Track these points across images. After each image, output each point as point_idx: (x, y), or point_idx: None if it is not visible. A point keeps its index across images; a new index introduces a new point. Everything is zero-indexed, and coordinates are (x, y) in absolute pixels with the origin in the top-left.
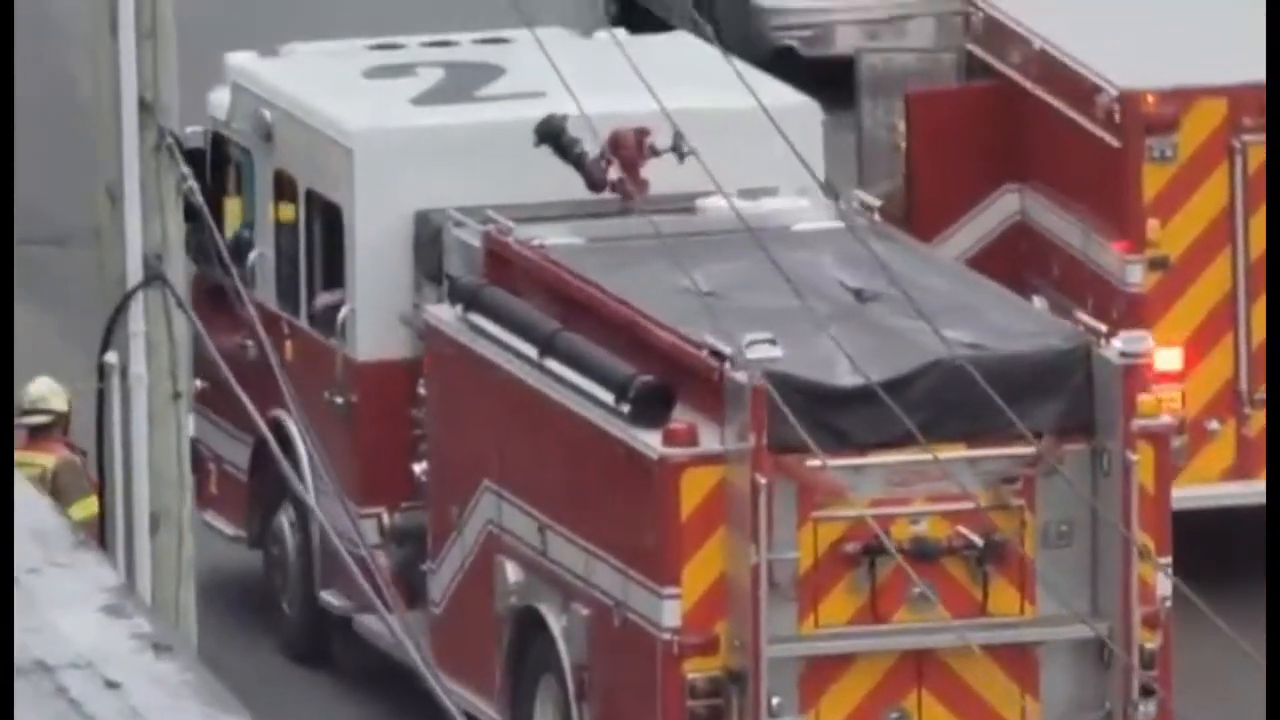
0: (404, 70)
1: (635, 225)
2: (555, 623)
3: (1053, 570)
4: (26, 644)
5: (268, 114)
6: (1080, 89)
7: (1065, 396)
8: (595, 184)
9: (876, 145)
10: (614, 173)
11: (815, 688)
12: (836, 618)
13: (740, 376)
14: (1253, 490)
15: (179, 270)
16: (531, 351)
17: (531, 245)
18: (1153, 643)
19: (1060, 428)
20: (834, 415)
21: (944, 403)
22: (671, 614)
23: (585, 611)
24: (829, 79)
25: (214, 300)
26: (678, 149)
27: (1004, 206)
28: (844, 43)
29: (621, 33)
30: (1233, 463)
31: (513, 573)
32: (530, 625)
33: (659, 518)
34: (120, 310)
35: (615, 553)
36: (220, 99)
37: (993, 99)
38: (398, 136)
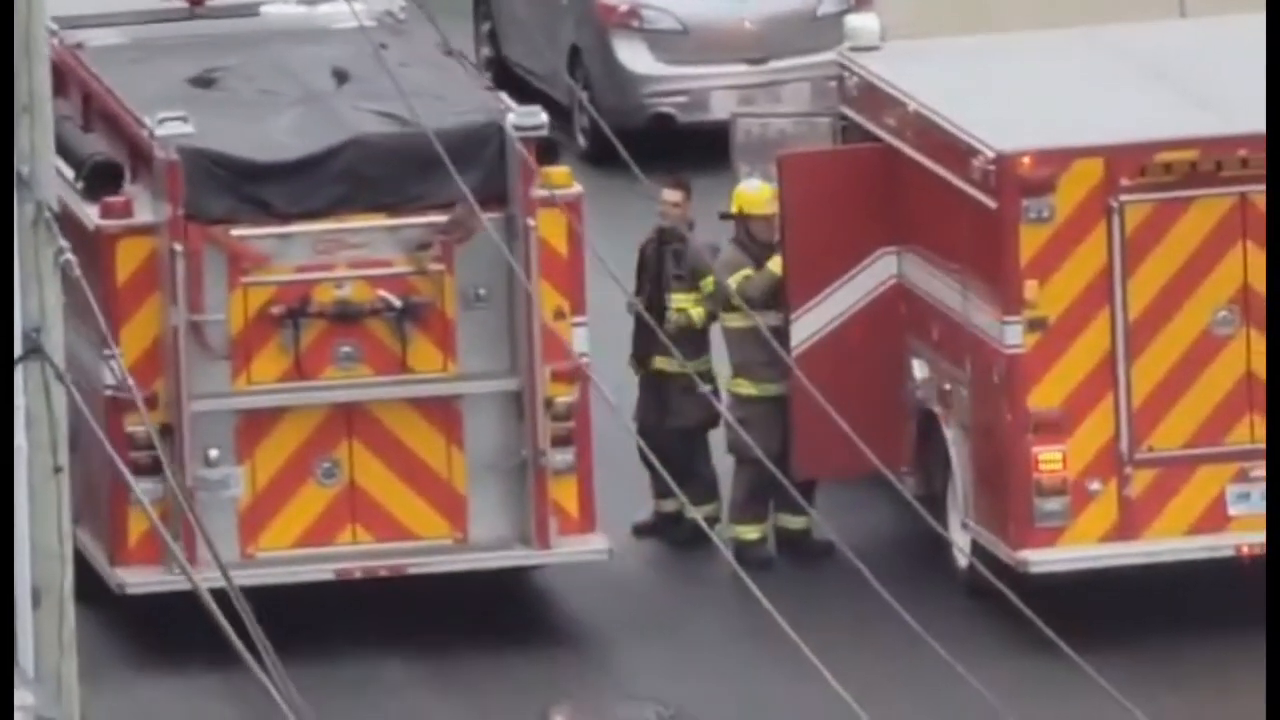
0: None
1: (189, 28)
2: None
3: (472, 330)
4: None
5: None
6: (956, 151)
7: (479, 169)
8: None
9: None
10: None
11: (250, 440)
12: (267, 375)
13: (160, 152)
14: (1135, 551)
15: (58, 343)
16: None
17: (70, 46)
18: (567, 396)
19: (475, 198)
20: (257, 188)
21: (363, 176)
22: (110, 373)
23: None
24: (706, 144)
25: None
26: None
27: (882, 269)
28: (719, 108)
29: None
30: (1115, 523)
31: None
32: None
33: (98, 284)
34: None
35: (77, 319)
36: None
37: (869, 161)
38: None
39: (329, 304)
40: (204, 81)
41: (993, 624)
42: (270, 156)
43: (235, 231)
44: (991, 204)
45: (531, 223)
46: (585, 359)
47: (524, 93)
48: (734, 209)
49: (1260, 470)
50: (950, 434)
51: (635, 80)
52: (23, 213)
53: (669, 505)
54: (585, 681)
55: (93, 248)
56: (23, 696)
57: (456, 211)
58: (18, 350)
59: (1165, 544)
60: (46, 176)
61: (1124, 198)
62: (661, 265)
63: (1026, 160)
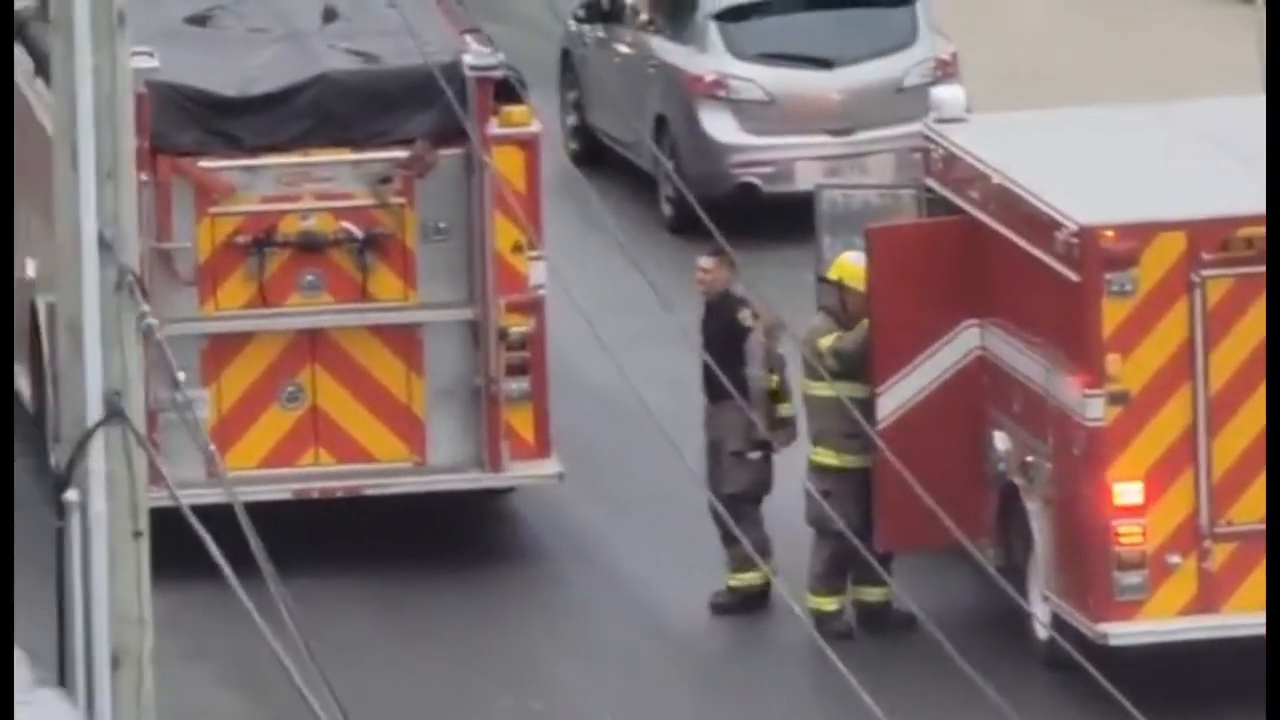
0: None
1: None
2: None
3: (432, 261)
4: None
5: None
6: (1040, 224)
7: (437, 108)
8: None
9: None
10: None
11: (216, 364)
12: (233, 302)
13: None
14: (1214, 624)
15: (138, 407)
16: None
17: None
18: (523, 327)
19: (434, 134)
20: (225, 121)
21: (328, 111)
22: None
23: None
24: (790, 215)
25: None
26: None
27: (965, 341)
28: (804, 179)
29: None
30: (1194, 596)
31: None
32: None
33: None
34: (81, 448)
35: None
36: None
37: (953, 234)
38: None
39: (294, 234)
40: (199, 19)
41: (1072, 697)
42: (238, 91)
43: (203, 163)
44: (1074, 277)
45: (486, 159)
46: (541, 291)
47: (611, 161)
48: (833, 275)
49: None
50: (1031, 506)
51: (720, 150)
52: (105, 277)
53: (738, 580)
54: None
55: None
56: None
57: (417, 147)
58: (97, 414)
59: (1244, 618)
60: (129, 241)
61: (1205, 272)
62: (716, 337)
63: (1110, 234)
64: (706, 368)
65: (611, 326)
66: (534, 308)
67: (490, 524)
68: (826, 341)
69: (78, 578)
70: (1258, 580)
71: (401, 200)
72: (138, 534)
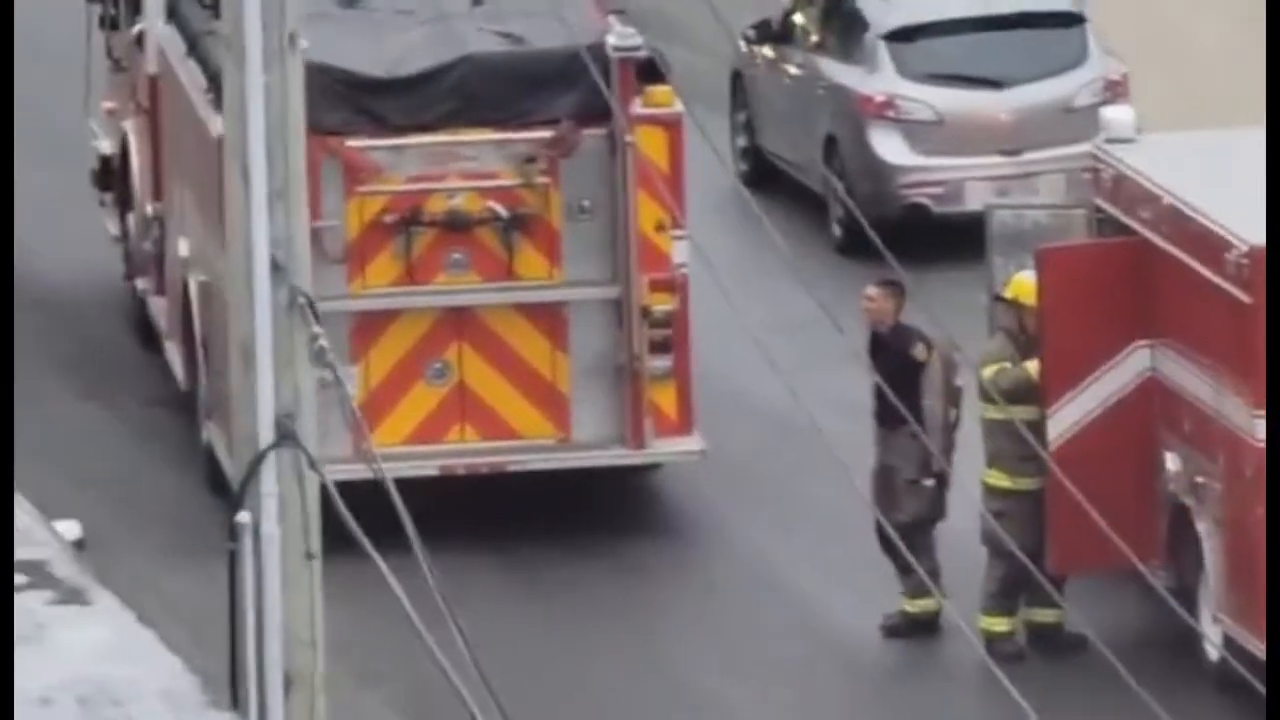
0: None
1: None
2: None
3: (577, 240)
4: None
5: None
6: (1210, 244)
7: (581, 88)
8: None
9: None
10: None
11: (364, 341)
12: (381, 280)
13: None
14: None
15: (310, 429)
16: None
17: None
18: (667, 305)
19: (578, 114)
20: (373, 101)
21: (473, 92)
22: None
23: None
24: (960, 235)
25: None
26: None
27: (1136, 362)
28: (974, 199)
29: None
30: None
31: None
32: None
33: (217, 185)
34: (253, 472)
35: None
36: None
37: (1123, 254)
38: None
39: (440, 213)
40: (349, 1)
41: (1243, 717)
42: (386, 71)
43: (351, 143)
44: (1245, 298)
45: (629, 139)
46: (684, 270)
47: (780, 182)
48: (1010, 295)
49: None
50: (1203, 527)
51: (890, 170)
52: (277, 298)
53: (914, 605)
54: None
55: (214, 153)
56: None
57: (561, 127)
58: (269, 437)
59: None
60: (302, 263)
61: None
62: (889, 367)
63: None
64: (879, 394)
65: (781, 348)
66: (677, 286)
67: (646, 533)
68: (987, 373)
69: (250, 600)
70: None
71: (546, 180)
72: (310, 556)
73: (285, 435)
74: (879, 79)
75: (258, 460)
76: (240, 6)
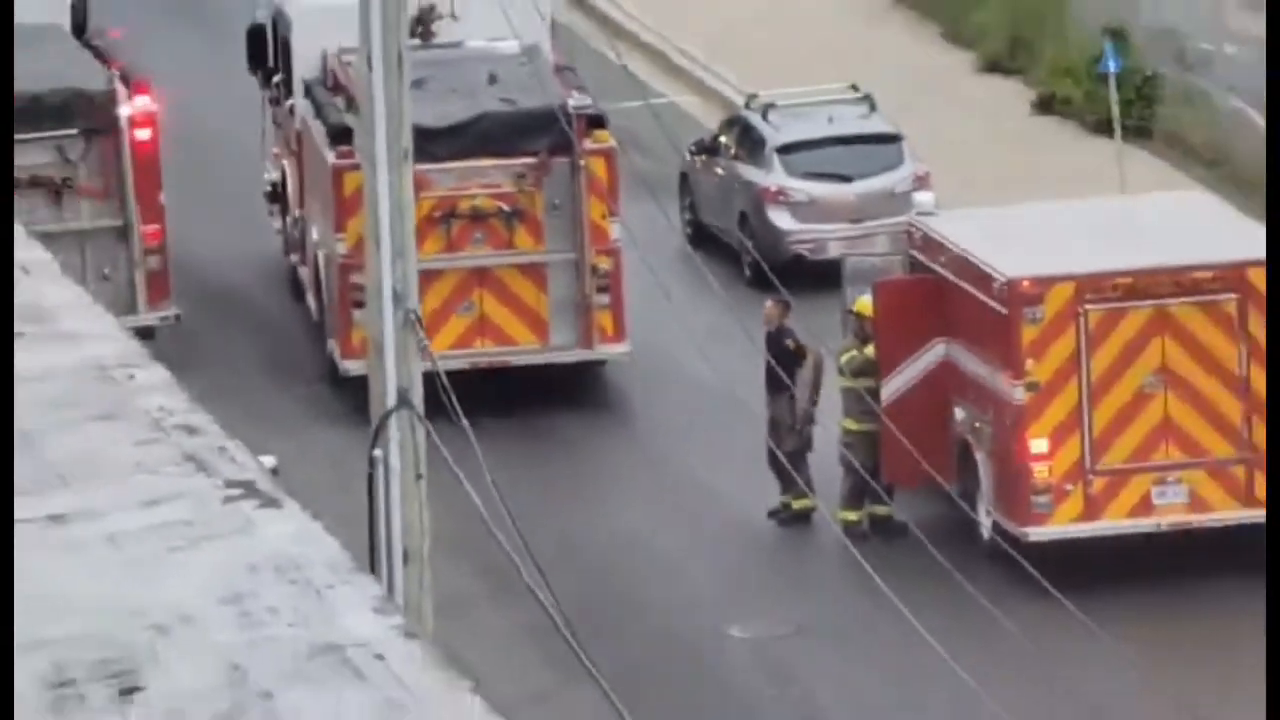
0: None
1: (423, 53)
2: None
3: (553, 225)
4: (324, 632)
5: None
6: (983, 277)
7: (554, 132)
8: (413, 33)
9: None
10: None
11: (424, 288)
12: (432, 250)
13: None
14: (1094, 529)
15: (419, 396)
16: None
17: (342, 58)
18: (607, 265)
19: (552, 149)
20: (429, 142)
21: (489, 135)
22: (342, 247)
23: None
24: (825, 273)
25: None
26: (447, 15)
27: (936, 352)
28: (834, 251)
29: None
30: (1081, 511)
31: None
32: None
33: (331, 197)
34: (383, 423)
35: (320, 217)
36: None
37: (928, 285)
38: None
39: (467, 210)
40: (418, 82)
41: (1005, 576)
42: (434, 122)
43: (417, 167)
44: (1004, 310)
45: (583, 163)
46: (618, 243)
47: (712, 242)
48: (856, 309)
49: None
50: (979, 455)
51: (781, 233)
52: (397, 316)
53: (797, 504)
54: None
55: (330, 176)
56: (395, 620)
57: (541, 156)
58: (392, 401)
59: (1113, 524)
60: (412, 291)
61: (1088, 307)
62: (775, 353)
63: (1026, 283)
64: (769, 370)
65: (713, 346)
66: (613, 253)
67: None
68: (843, 359)
69: (382, 504)
70: (1119, 502)
71: (533, 188)
72: (419, 476)
73: (403, 402)
74: (774, 176)
75: (385, 417)
76: (372, 129)
